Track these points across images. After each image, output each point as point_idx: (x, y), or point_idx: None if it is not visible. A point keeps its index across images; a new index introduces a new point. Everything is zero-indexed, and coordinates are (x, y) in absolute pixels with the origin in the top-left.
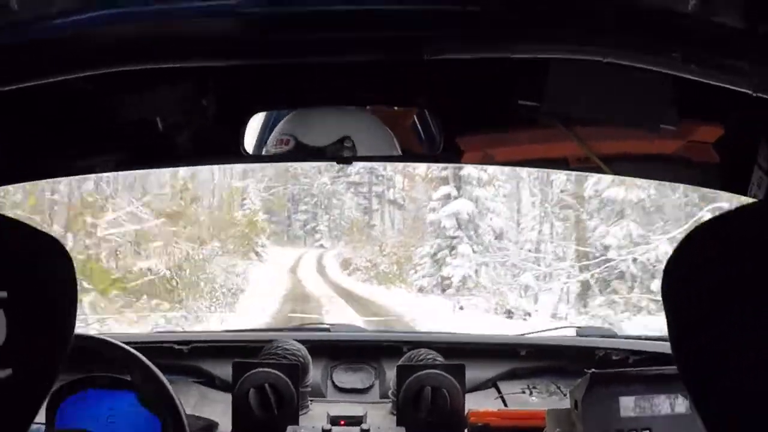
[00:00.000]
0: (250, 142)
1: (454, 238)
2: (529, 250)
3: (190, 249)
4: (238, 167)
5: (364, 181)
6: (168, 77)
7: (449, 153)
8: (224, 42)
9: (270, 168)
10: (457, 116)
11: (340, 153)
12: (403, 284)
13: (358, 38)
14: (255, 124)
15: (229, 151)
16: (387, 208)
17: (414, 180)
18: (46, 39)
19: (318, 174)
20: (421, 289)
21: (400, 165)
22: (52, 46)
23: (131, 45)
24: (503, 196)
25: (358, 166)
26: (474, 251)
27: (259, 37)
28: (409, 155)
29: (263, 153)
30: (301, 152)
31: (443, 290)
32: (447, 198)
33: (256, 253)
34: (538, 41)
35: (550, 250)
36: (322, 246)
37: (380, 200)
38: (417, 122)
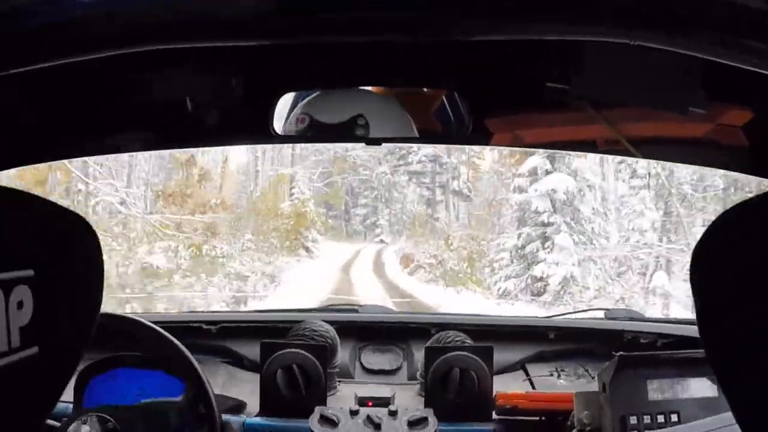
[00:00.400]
0: (279, 122)
1: (548, 225)
2: (643, 243)
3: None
4: (286, 155)
5: (427, 170)
6: (197, 57)
7: (478, 135)
8: (253, 22)
9: (324, 155)
10: (486, 98)
11: (354, 132)
12: (477, 287)
13: (388, 18)
14: (284, 103)
15: (258, 131)
16: (452, 198)
17: (481, 162)
18: (74, 17)
19: (378, 164)
20: (504, 294)
21: (464, 154)
22: (79, 25)
23: (159, 24)
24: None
25: (420, 154)
26: (575, 242)
27: (289, 17)
28: (437, 137)
29: (286, 133)
30: (317, 130)
31: (535, 295)
32: (534, 173)
33: (306, 249)
34: (567, 23)
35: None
36: (382, 241)
37: (444, 190)
38: (446, 104)
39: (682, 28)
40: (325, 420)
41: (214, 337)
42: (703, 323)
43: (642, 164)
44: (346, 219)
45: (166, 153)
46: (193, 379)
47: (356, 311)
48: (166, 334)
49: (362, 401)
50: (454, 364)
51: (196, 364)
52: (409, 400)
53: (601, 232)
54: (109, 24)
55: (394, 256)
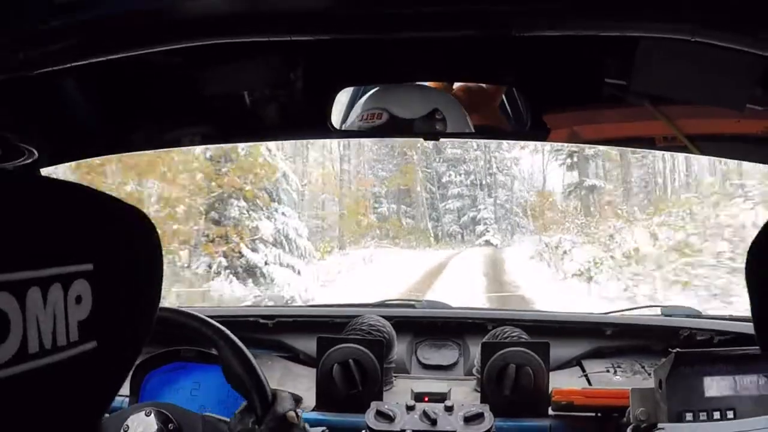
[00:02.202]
0: (337, 116)
1: None
2: None
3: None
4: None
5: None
6: (256, 51)
7: (536, 130)
8: (313, 16)
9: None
10: (545, 94)
11: (431, 127)
12: None
13: (448, 13)
14: (342, 98)
15: (316, 126)
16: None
17: None
18: (135, 12)
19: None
20: None
21: None
22: (140, 19)
23: (219, 18)
24: None
25: None
26: None
27: (348, 11)
28: (495, 132)
29: (350, 127)
30: (392, 126)
31: None
32: None
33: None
34: (626, 19)
35: None
36: (488, 243)
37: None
38: (505, 99)
39: (743, 25)
40: (381, 415)
41: (271, 331)
42: (760, 320)
43: None
44: (434, 218)
45: None
46: (248, 373)
47: (413, 306)
48: (222, 327)
49: (418, 396)
50: (511, 359)
51: (252, 357)
52: (465, 395)
53: None
54: (168, 18)
55: (525, 266)
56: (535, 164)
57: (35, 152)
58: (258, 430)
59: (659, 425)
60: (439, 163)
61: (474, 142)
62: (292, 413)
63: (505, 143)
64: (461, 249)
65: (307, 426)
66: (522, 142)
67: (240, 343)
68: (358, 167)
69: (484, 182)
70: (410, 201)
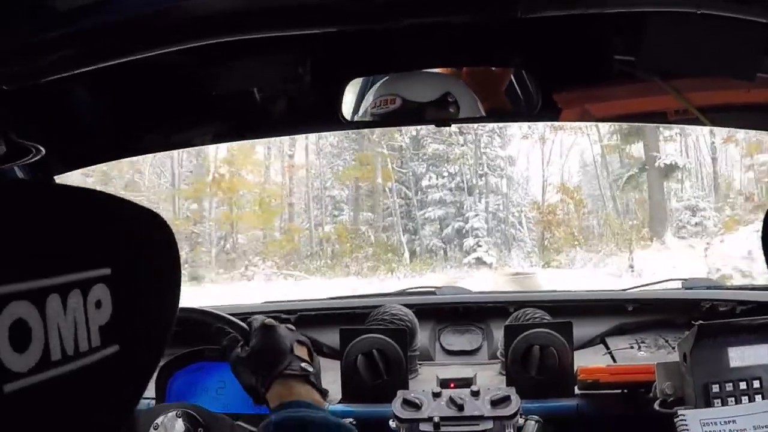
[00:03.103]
0: (348, 108)
1: None
2: None
3: None
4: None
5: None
6: (264, 47)
7: (547, 111)
8: (319, 9)
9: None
10: (555, 74)
11: (445, 110)
12: None
13: None
14: (352, 90)
15: (327, 118)
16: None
17: None
18: (143, 13)
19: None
20: None
21: None
22: (148, 20)
23: (227, 16)
24: None
25: None
26: None
27: (355, 2)
28: (506, 115)
29: (362, 117)
30: (406, 111)
31: None
32: None
33: None
34: None
35: None
36: (480, 261)
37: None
38: (515, 81)
39: None
40: (408, 403)
41: (293, 326)
42: None
43: None
44: (411, 230)
45: None
46: (217, 319)
47: (434, 293)
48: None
49: (444, 383)
50: (534, 341)
51: (218, 312)
52: (490, 379)
53: None
54: (176, 18)
55: None
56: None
57: (42, 149)
58: (247, 349)
59: (680, 412)
60: (418, 162)
61: (460, 136)
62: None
63: (497, 137)
64: (444, 271)
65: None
66: (525, 128)
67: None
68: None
69: (473, 184)
70: (376, 206)
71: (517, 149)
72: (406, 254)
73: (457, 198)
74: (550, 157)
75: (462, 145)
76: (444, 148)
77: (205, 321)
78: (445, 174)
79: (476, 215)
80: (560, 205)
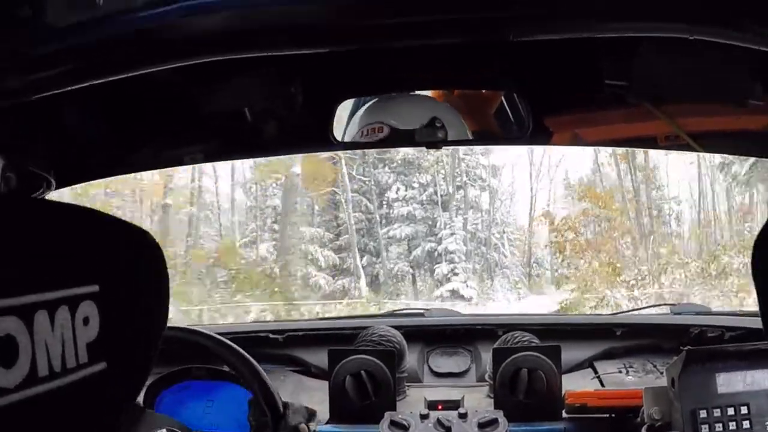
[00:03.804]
0: (339, 129)
1: None
2: None
3: None
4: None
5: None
6: (255, 66)
7: (538, 135)
8: (310, 29)
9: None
10: (546, 98)
11: (432, 135)
12: None
13: (445, 21)
14: (344, 110)
15: (318, 139)
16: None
17: None
18: (132, 32)
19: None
20: None
21: None
22: (137, 39)
23: (218, 36)
24: None
25: None
26: None
27: (346, 23)
28: (498, 138)
29: (351, 140)
30: (394, 138)
31: None
32: None
33: None
34: (622, 19)
35: None
36: (456, 294)
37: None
38: (505, 104)
39: (741, 21)
40: (395, 425)
41: (282, 346)
42: (767, 315)
43: None
44: (372, 252)
45: None
46: (260, 388)
47: (422, 315)
48: (232, 344)
49: (432, 405)
50: (523, 364)
51: (263, 373)
52: (478, 401)
53: None
54: (166, 37)
55: None
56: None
57: (53, 181)
58: None
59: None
60: (383, 170)
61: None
62: (303, 426)
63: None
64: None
65: None
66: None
67: (250, 358)
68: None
69: (449, 196)
70: (334, 222)
71: (503, 159)
72: (362, 282)
73: (429, 213)
74: (540, 167)
75: (437, 150)
76: (415, 153)
77: (243, 376)
78: (416, 184)
79: (452, 234)
80: (581, 218)
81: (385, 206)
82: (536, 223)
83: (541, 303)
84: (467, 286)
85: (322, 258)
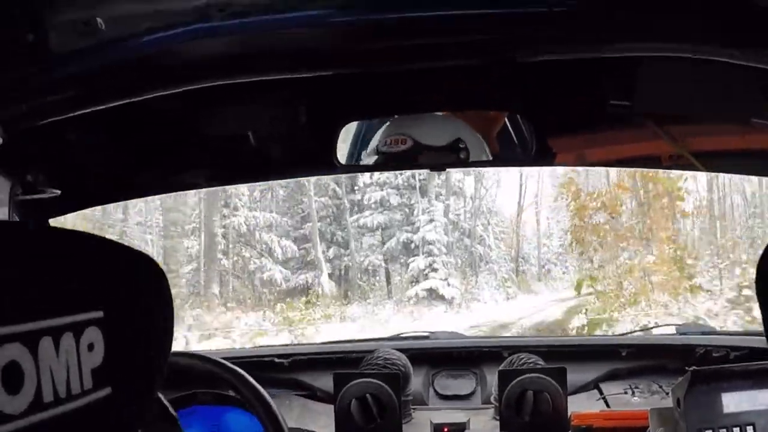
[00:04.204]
0: (342, 152)
1: None
2: None
3: None
4: None
5: None
6: (258, 90)
7: (542, 156)
8: (315, 53)
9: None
10: (550, 118)
11: (455, 156)
12: None
13: (450, 43)
14: (347, 134)
15: (322, 162)
16: None
17: None
18: (134, 57)
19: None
20: None
21: None
22: (140, 64)
23: (221, 60)
24: None
25: None
26: None
27: (351, 47)
28: (502, 160)
29: (369, 154)
30: (415, 153)
31: None
32: None
33: None
34: (626, 40)
35: None
36: (435, 294)
37: None
38: (509, 125)
39: (743, 40)
40: None
41: (287, 370)
42: None
43: None
44: (339, 242)
45: None
46: (266, 413)
47: (427, 338)
48: (237, 368)
49: (438, 427)
50: (528, 386)
51: (268, 397)
52: (483, 424)
53: None
54: (169, 61)
55: None
56: None
57: (57, 206)
58: None
59: None
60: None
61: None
62: None
63: None
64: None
65: None
66: None
67: (255, 383)
68: None
69: (428, 179)
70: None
71: None
72: (324, 278)
73: (406, 199)
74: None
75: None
76: None
77: (248, 401)
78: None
79: (431, 221)
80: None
81: (356, 191)
82: (526, 212)
83: (534, 304)
84: (448, 284)
85: (279, 249)
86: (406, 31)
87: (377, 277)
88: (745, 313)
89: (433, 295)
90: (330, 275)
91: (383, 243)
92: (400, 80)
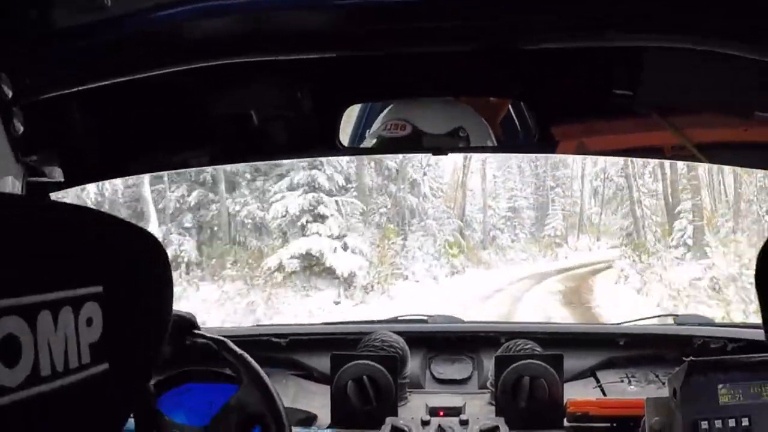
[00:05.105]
0: (345, 133)
1: None
2: None
3: None
4: None
5: None
6: (263, 70)
7: (544, 143)
8: (320, 34)
9: None
10: (552, 106)
11: (453, 143)
12: None
13: (454, 28)
14: (349, 116)
15: (324, 144)
16: None
17: None
18: (141, 34)
19: None
20: None
21: None
22: (146, 41)
23: (226, 39)
24: None
25: None
26: None
27: (355, 29)
28: (503, 146)
29: (370, 137)
30: (414, 139)
31: None
32: None
33: None
34: (630, 30)
35: None
36: (325, 267)
37: None
38: (512, 112)
39: (748, 33)
40: (396, 431)
41: (284, 350)
42: None
43: None
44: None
45: None
46: (262, 392)
47: (425, 322)
48: (234, 346)
49: (433, 411)
50: (525, 372)
51: (265, 376)
52: (479, 409)
53: None
54: (175, 39)
55: None
56: None
57: (59, 181)
58: None
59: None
60: None
61: None
62: None
63: None
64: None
65: None
66: None
67: (252, 361)
68: None
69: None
70: None
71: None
72: (153, 215)
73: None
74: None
75: None
76: None
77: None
78: None
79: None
80: None
81: None
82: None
83: (492, 284)
84: (345, 247)
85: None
86: (409, 15)
87: (260, 233)
88: None
89: (313, 266)
90: None
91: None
92: (403, 64)
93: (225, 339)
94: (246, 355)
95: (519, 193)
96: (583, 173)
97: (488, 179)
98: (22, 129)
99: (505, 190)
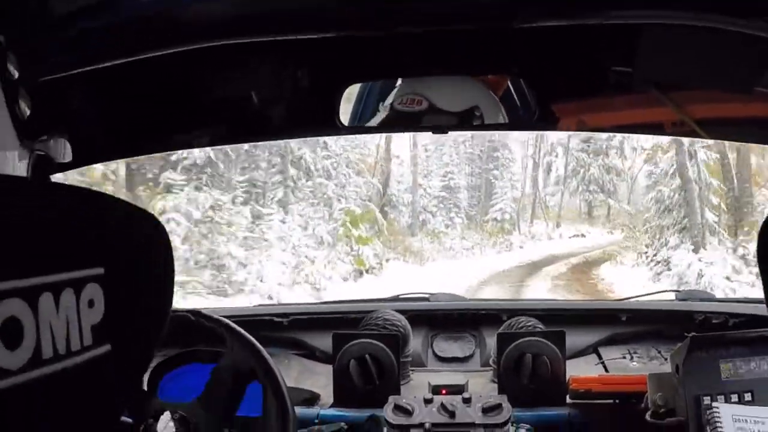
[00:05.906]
0: (345, 113)
1: None
2: None
3: None
4: None
5: None
6: (262, 51)
7: (544, 120)
8: (319, 14)
9: None
10: (552, 83)
11: (467, 123)
12: None
13: (452, 6)
14: (349, 95)
15: (325, 123)
16: None
17: None
18: (140, 15)
19: None
20: None
21: None
22: (146, 23)
23: (225, 19)
24: None
25: None
26: None
27: (352, 8)
28: (503, 123)
29: (383, 110)
30: (428, 115)
31: None
32: None
33: None
34: (628, 6)
35: None
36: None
37: None
38: (512, 90)
39: (747, 8)
40: (399, 409)
41: (286, 329)
42: None
43: None
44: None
45: None
46: (265, 372)
47: (427, 300)
48: (236, 326)
49: (436, 389)
50: (527, 349)
51: (268, 356)
52: (482, 386)
53: None
54: (174, 20)
55: None
56: None
57: (61, 161)
58: None
59: (714, 404)
60: None
61: None
62: None
63: None
64: None
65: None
66: None
67: (255, 341)
68: None
69: None
70: None
71: None
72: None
73: None
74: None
75: None
76: None
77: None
78: None
79: None
80: None
81: None
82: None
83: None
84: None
85: None
86: None
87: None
88: None
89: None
90: None
91: None
92: (402, 43)
93: (199, 309)
94: (224, 318)
95: (455, 169)
96: (537, 144)
97: (419, 152)
98: (27, 111)
99: (439, 166)
